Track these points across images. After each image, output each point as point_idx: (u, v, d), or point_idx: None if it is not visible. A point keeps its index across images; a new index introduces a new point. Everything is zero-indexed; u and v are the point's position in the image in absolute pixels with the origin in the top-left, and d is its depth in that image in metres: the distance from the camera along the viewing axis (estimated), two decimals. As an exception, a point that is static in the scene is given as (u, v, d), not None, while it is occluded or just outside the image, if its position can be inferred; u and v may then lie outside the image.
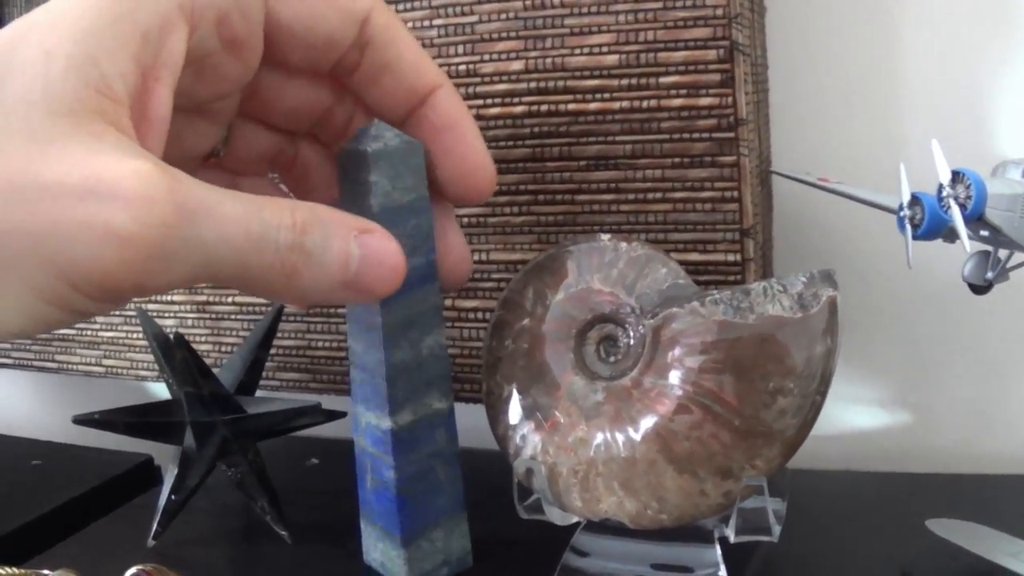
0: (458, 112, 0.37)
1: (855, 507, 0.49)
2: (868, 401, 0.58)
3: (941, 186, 0.36)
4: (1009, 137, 0.51)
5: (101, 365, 0.66)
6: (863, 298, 0.55)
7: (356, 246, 0.29)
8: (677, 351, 0.37)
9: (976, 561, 0.40)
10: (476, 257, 0.50)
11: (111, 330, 0.64)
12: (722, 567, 0.39)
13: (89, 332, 0.65)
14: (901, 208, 0.39)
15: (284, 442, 0.60)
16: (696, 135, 0.45)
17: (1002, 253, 0.41)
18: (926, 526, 0.42)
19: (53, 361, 0.68)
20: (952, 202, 0.36)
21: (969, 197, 0.36)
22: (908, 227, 0.39)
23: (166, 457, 0.53)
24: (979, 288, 0.42)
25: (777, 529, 0.39)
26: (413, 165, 0.38)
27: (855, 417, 0.58)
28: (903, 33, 0.53)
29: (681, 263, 0.43)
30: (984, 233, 0.38)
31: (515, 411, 0.41)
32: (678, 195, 0.46)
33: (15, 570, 0.42)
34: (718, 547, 0.40)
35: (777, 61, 0.54)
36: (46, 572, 0.40)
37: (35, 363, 0.69)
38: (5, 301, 0.23)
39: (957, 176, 0.36)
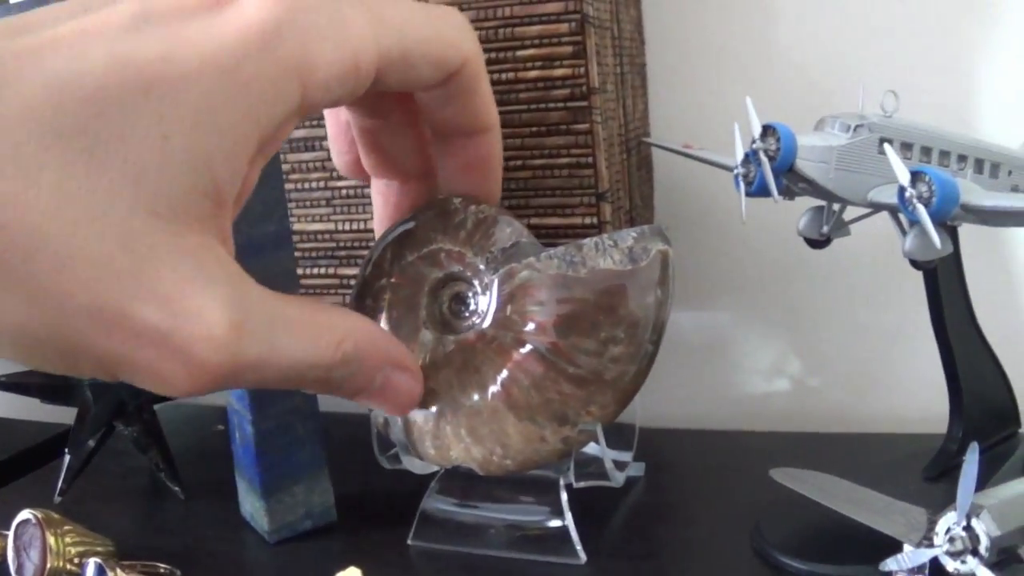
0: (496, 158, 0.38)
1: (712, 461, 0.51)
2: (757, 368, 0.60)
3: (753, 139, 0.38)
4: (874, 104, 0.53)
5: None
6: (740, 263, 0.57)
7: (380, 380, 0.31)
8: (517, 305, 0.39)
9: (818, 507, 0.41)
10: (355, 226, 0.52)
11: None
12: (567, 512, 0.41)
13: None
14: (736, 167, 0.41)
15: (194, 410, 0.63)
16: (552, 105, 0.46)
17: (836, 207, 0.43)
18: (770, 475, 0.43)
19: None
20: (762, 154, 0.38)
21: (778, 149, 0.37)
22: (742, 184, 0.41)
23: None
24: (816, 242, 0.44)
25: (619, 476, 0.41)
26: None
27: (746, 382, 0.60)
28: (776, 5, 0.54)
29: (541, 227, 0.46)
30: (803, 185, 0.40)
31: (375, 367, 0.42)
32: (537, 162, 0.48)
33: None
34: (564, 493, 0.42)
35: (655, 36, 0.55)
36: None
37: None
38: None
39: (768, 130, 0.38)
